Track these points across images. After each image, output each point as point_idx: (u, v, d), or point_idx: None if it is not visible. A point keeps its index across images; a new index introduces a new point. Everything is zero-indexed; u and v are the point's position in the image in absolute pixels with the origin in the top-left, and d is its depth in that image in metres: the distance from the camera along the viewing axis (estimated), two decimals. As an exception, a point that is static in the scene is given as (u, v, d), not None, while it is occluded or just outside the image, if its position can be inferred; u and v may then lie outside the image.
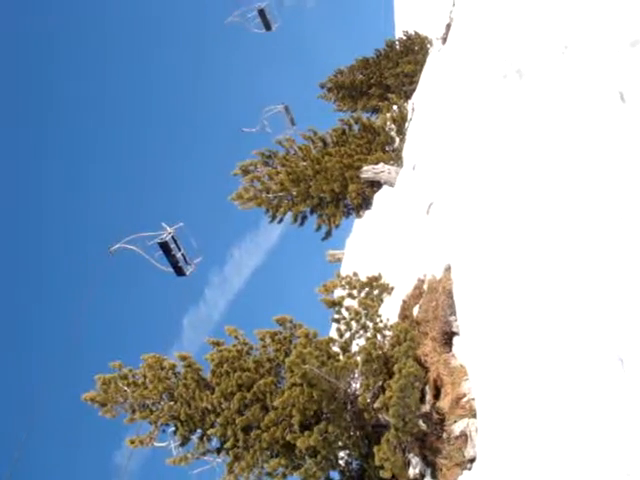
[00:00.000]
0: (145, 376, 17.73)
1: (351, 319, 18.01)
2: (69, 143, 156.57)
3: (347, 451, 17.33)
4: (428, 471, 15.27)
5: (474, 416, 14.15)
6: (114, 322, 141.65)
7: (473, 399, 14.29)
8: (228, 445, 16.82)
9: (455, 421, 14.63)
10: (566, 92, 12.54)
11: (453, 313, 15.78)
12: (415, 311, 18.37)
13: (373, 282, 21.31)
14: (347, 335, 17.75)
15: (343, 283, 21.24)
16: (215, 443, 17.77)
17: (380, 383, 16.16)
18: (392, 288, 21.25)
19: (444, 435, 14.81)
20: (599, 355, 9.20)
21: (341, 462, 17.66)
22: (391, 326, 17.63)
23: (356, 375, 16.40)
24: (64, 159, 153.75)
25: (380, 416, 16.01)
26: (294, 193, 35.31)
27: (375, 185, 33.87)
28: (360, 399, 16.11)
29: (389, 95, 44.02)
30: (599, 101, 10.89)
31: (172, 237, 33.13)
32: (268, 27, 57.29)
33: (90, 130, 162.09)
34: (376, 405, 15.80)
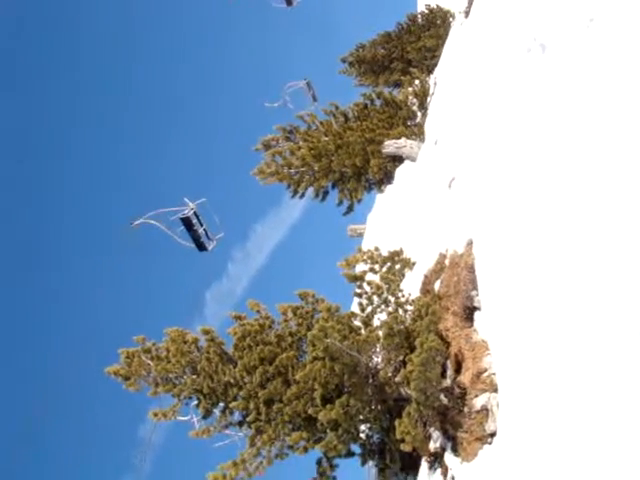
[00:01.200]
0: (168, 350, 17.84)
1: (373, 293, 18.04)
2: (96, 118, 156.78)
3: (368, 424, 17.41)
4: (449, 445, 15.33)
5: (495, 391, 14.18)
6: (138, 296, 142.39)
7: (494, 374, 14.31)
8: (250, 418, 16.95)
9: (476, 395, 14.66)
10: (591, 66, 12.44)
11: (475, 288, 15.77)
12: (437, 286, 18.38)
13: (395, 257, 21.33)
14: (369, 309, 17.79)
15: (365, 258, 21.27)
16: (237, 416, 17.91)
17: (401, 357, 16.20)
18: (414, 263, 21.26)
19: (465, 409, 14.84)
20: (622, 329, 9.19)
21: (362, 435, 17.76)
22: (413, 301, 17.64)
23: (378, 349, 16.44)
24: (89, 134, 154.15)
25: (401, 390, 16.07)
26: (316, 168, 35.21)
27: (397, 160, 33.74)
28: (381, 373, 16.18)
29: (411, 69, 43.74)
30: (625, 76, 10.81)
31: (194, 213, 33.29)
32: (289, 2, 56.92)
33: (114, 105, 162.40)
34: (397, 379, 15.87)
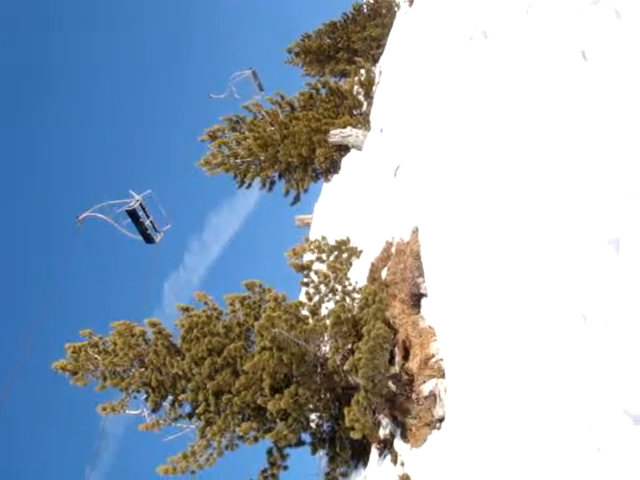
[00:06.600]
0: (115, 343, 17.72)
1: (320, 282, 18.08)
2: (36, 107, 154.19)
3: (318, 413, 17.47)
4: (398, 431, 15.43)
5: (443, 376, 14.29)
6: (95, 291, 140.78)
7: (441, 359, 14.42)
8: (200, 410, 16.90)
9: (424, 381, 14.76)
10: (530, 52, 12.55)
11: (421, 275, 15.87)
12: (383, 274, 18.45)
13: (342, 246, 21.38)
14: (316, 298, 17.83)
15: (312, 247, 21.28)
16: (187, 408, 17.87)
17: (349, 345, 16.25)
18: (361, 251, 21.32)
19: (413, 396, 14.94)
20: (563, 313, 9.31)
21: (312, 424, 17.81)
22: (360, 289, 17.71)
23: (325, 338, 16.48)
24: (31, 125, 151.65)
25: (350, 378, 16.12)
26: (262, 158, 35.14)
27: (343, 149, 33.80)
28: (330, 361, 16.21)
29: (356, 59, 43.89)
30: (562, 59, 10.93)
31: (140, 205, 33.07)
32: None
33: (56, 96, 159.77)
34: (346, 367, 15.89)
